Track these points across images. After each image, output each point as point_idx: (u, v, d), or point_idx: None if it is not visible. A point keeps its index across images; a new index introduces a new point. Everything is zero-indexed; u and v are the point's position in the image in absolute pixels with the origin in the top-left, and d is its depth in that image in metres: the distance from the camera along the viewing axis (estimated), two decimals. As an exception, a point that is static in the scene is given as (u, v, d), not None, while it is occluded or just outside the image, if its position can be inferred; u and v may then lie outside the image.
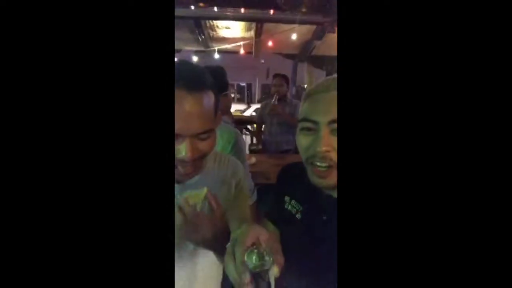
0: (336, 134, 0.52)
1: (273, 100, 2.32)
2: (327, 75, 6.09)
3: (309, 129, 0.55)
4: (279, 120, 2.39)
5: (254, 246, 0.38)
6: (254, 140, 3.12)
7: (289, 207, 0.68)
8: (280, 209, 0.70)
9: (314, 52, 5.94)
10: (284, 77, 2.46)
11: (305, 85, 6.04)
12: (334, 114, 0.52)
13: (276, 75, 2.48)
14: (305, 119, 0.56)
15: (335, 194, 0.59)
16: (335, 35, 5.09)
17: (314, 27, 5.22)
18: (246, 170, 1.23)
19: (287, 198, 0.70)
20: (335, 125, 0.52)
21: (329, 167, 0.53)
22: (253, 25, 5.19)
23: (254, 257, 0.36)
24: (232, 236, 0.41)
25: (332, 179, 0.55)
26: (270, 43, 5.51)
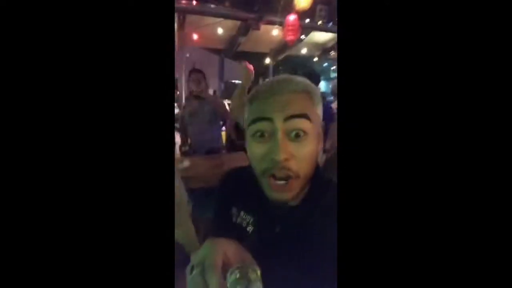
0: (296, 137, 0.46)
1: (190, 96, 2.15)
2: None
3: (262, 134, 0.47)
4: (198, 119, 2.23)
5: (234, 268, 0.29)
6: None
7: (238, 220, 0.59)
8: (227, 222, 0.60)
9: (240, 48, 5.96)
10: (200, 72, 2.23)
11: (237, 81, 6.02)
12: (291, 110, 0.46)
13: (191, 71, 2.24)
14: (256, 119, 0.47)
15: (293, 202, 0.52)
16: (260, 32, 5.22)
17: (239, 23, 5.21)
18: (177, 178, 1.10)
19: (234, 210, 0.60)
20: (293, 123, 0.45)
21: (289, 178, 0.46)
22: (175, 16, 4.85)
23: (239, 284, 0.28)
24: (193, 260, 0.31)
25: (293, 191, 0.47)
26: (195, 37, 5.27)
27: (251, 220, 0.57)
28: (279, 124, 0.46)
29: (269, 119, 0.46)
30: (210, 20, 4.95)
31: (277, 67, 6.73)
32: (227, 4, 4.73)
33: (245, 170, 0.59)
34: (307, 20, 5.12)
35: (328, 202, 0.51)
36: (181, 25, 5.01)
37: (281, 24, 4.80)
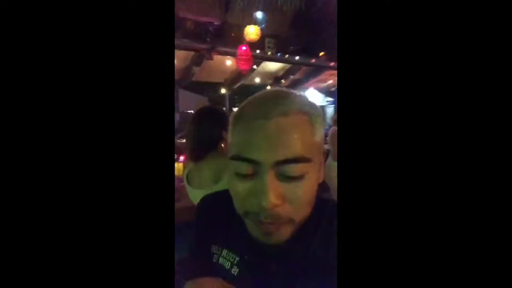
0: (289, 179, 0.36)
1: None
2: (209, 101, 6.27)
3: (245, 174, 0.37)
4: None
5: None
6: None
7: (221, 261, 0.47)
8: (206, 264, 0.47)
9: (194, 78, 6.00)
10: None
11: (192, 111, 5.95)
12: (285, 151, 0.35)
13: None
14: (238, 157, 0.37)
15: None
16: (213, 62, 5.36)
17: (192, 53, 5.30)
18: None
19: (215, 249, 0.48)
20: (286, 169, 0.35)
21: (280, 222, 0.37)
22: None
23: None
24: None
25: (284, 233, 0.38)
26: (146, 67, 5.16)
27: (236, 259, 0.45)
28: (268, 167, 0.35)
29: (254, 162, 0.36)
30: (162, 50, 4.93)
31: (232, 96, 6.87)
32: (179, 35, 4.81)
33: (224, 195, 0.46)
34: (258, 51, 5.45)
35: (327, 223, 0.42)
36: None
37: (233, 54, 5.01)
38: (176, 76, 5.93)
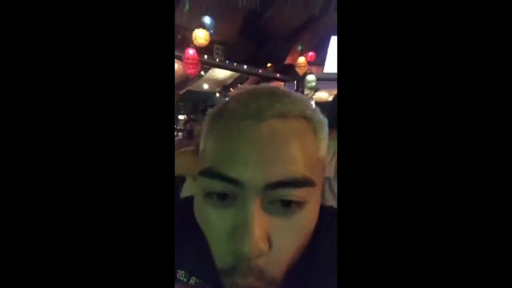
0: (283, 208, 0.26)
1: None
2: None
3: (222, 196, 0.26)
4: None
5: None
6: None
7: (181, 277, 0.35)
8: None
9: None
10: None
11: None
12: (278, 169, 0.25)
13: None
14: (211, 173, 0.26)
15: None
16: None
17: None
18: None
19: (181, 274, 0.36)
20: (280, 193, 0.25)
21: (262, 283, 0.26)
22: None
23: None
24: None
25: (274, 273, 0.27)
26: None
27: (198, 281, 0.34)
28: (253, 192, 0.25)
29: (235, 182, 0.25)
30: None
31: (177, 103, 6.53)
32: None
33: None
34: (205, 57, 5.30)
35: (328, 243, 0.32)
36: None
37: (179, 58, 4.76)
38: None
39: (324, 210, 0.33)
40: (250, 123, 0.27)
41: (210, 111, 0.33)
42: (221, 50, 5.53)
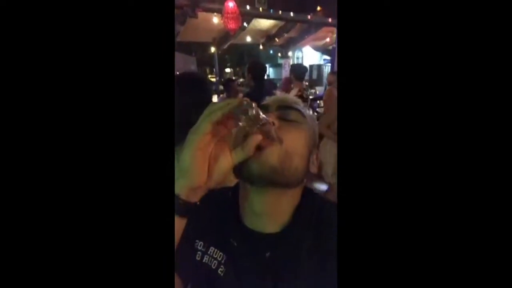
0: (286, 119, 0.44)
1: None
2: (197, 61, 5.90)
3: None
4: None
5: None
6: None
7: (205, 259, 0.44)
8: (188, 262, 0.45)
9: (180, 39, 5.56)
10: None
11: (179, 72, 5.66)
12: (283, 102, 0.47)
13: None
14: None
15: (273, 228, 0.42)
16: (198, 20, 4.89)
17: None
18: None
19: (199, 244, 0.46)
20: (284, 112, 0.44)
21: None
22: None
23: None
24: None
25: (271, 156, 0.39)
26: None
27: (224, 258, 0.43)
28: (271, 110, 0.44)
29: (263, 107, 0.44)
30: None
31: (222, 56, 6.47)
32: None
33: (224, 194, 0.47)
34: (247, 7, 4.93)
35: (324, 223, 0.43)
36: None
37: (219, 11, 4.54)
38: (159, 36, 5.48)
39: (323, 201, 0.46)
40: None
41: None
42: (263, -2, 5.04)
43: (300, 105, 0.47)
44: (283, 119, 0.42)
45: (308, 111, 0.47)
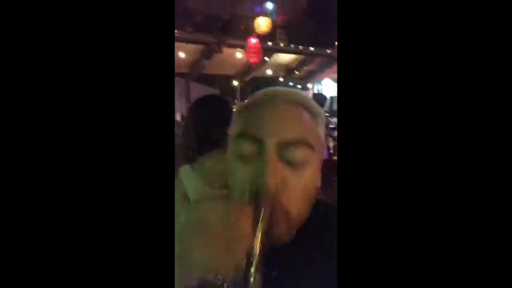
0: (289, 161, 0.36)
1: None
2: (220, 92, 6.21)
3: (243, 156, 0.36)
4: None
5: None
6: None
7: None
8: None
9: (205, 71, 5.95)
10: None
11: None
12: (286, 133, 0.36)
13: None
14: (242, 135, 0.37)
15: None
16: (223, 55, 5.25)
17: (201, 47, 5.22)
18: None
19: None
20: (289, 152, 0.36)
21: (276, 210, 0.35)
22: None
23: None
24: None
25: (280, 230, 0.35)
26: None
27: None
28: (271, 146, 0.35)
29: (257, 140, 0.36)
30: (171, 44, 4.89)
31: (244, 88, 6.77)
32: (188, 29, 4.74)
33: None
34: (270, 43, 5.26)
35: (325, 228, 0.40)
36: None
37: (243, 47, 4.88)
38: (187, 69, 5.91)
39: (324, 206, 0.42)
40: (267, 105, 0.38)
41: (237, 106, 0.44)
42: (284, 34, 5.38)
43: (303, 98, 0.41)
44: (287, 162, 0.35)
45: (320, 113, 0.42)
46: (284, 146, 0.35)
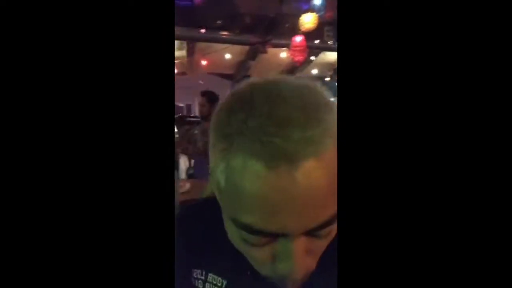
0: (317, 237, 0.28)
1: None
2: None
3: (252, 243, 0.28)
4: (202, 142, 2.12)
5: None
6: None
7: (207, 286, 0.39)
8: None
9: (250, 72, 6.04)
10: (205, 95, 2.22)
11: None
12: (314, 218, 0.26)
13: (201, 94, 2.25)
14: (252, 230, 0.27)
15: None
16: (268, 55, 5.26)
17: (247, 47, 5.31)
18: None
19: (198, 273, 0.40)
20: (318, 233, 0.27)
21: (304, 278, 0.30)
22: (185, 44, 5.04)
23: None
24: None
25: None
26: (203, 63, 5.41)
27: (224, 283, 0.38)
28: (295, 237, 0.26)
29: (279, 235, 0.26)
30: (218, 46, 5.08)
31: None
32: (234, 30, 4.86)
33: (210, 203, 0.37)
34: (317, 41, 5.09)
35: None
36: (191, 52, 5.18)
37: (288, 46, 4.81)
38: (232, 71, 6.07)
39: None
40: (282, 169, 0.23)
41: (212, 118, 0.29)
42: (332, 31, 5.16)
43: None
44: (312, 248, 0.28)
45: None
46: (312, 232, 0.27)
